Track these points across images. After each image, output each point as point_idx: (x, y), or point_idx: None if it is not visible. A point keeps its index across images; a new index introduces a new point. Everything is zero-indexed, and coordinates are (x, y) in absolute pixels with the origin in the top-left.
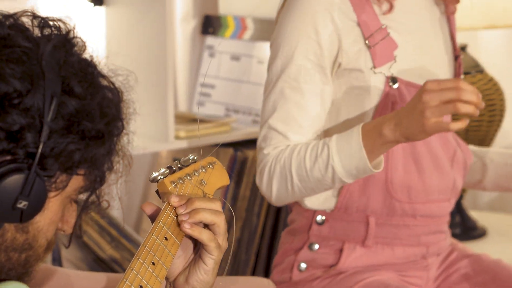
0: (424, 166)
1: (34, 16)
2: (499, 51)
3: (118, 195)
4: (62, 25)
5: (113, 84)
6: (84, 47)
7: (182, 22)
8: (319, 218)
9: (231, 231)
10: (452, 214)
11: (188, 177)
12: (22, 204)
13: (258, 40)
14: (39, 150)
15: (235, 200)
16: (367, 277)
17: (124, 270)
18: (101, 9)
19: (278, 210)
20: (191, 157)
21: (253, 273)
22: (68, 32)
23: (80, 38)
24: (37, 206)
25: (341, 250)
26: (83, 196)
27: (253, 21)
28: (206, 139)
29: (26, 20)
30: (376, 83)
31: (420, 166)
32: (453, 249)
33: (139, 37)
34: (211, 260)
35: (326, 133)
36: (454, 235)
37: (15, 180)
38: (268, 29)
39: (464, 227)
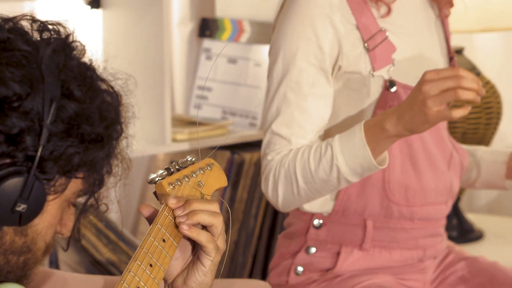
0: (422, 168)
1: (33, 20)
2: (496, 53)
3: (116, 198)
4: (61, 29)
5: (112, 87)
6: (83, 50)
7: (179, 25)
8: (316, 222)
9: (228, 232)
10: (449, 217)
11: (186, 179)
12: (21, 207)
13: (255, 43)
14: (39, 153)
15: (232, 202)
16: (364, 280)
17: (121, 272)
18: (98, 12)
19: (276, 212)
20: (189, 159)
21: (250, 275)
22: (67, 36)
23: (79, 42)
24: (36, 209)
25: (338, 254)
26: (81, 200)
27: (250, 24)
28: (203, 142)
29: (25, 24)
30: (375, 86)
31: (417, 168)
32: (449, 252)
33: (136, 40)
34: (209, 261)
35: (326, 135)
36: (451, 238)
37: (14, 183)
38: (265, 32)
39: (461, 229)
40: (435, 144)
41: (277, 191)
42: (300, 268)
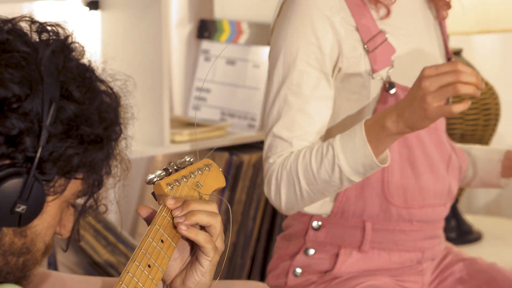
0: (421, 170)
1: (32, 21)
2: (494, 55)
3: (116, 199)
4: (60, 30)
5: (111, 88)
6: (82, 52)
7: (178, 26)
8: (315, 223)
9: (227, 234)
10: (448, 218)
11: (184, 179)
12: (20, 208)
13: (253, 44)
14: (38, 154)
15: (231, 204)
16: (362, 282)
17: (119, 274)
18: (96, 13)
19: (274, 214)
20: (187, 159)
21: (249, 277)
22: (66, 37)
23: (78, 43)
24: (35, 210)
25: (337, 255)
26: (80, 201)
27: (248, 25)
28: (201, 143)
29: (24, 25)
30: (374, 87)
31: (416, 170)
32: (447, 253)
33: (135, 41)
34: (207, 261)
35: (326, 136)
36: (449, 239)
37: (13, 184)
38: (263, 33)
39: (459, 231)
40: (434, 146)
41: (280, 193)
42: (298, 270)
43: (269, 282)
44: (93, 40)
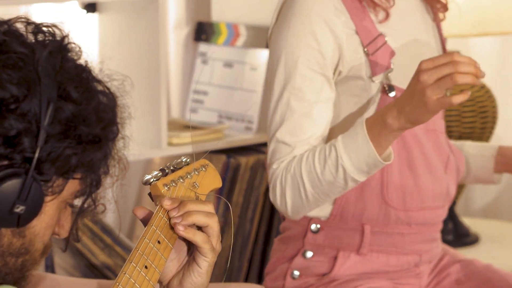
0: (419, 172)
1: (28, 22)
2: (491, 58)
3: (114, 199)
4: (56, 31)
5: (108, 88)
6: (79, 52)
7: (175, 29)
8: (313, 226)
9: (227, 235)
10: (445, 221)
11: (181, 180)
12: (19, 209)
13: (251, 47)
14: (36, 155)
15: (228, 206)
16: (360, 284)
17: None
18: (94, 16)
19: (271, 216)
20: (183, 160)
21: (246, 279)
22: (63, 37)
23: (75, 43)
24: (34, 210)
25: (335, 258)
26: (79, 201)
27: (246, 28)
28: (199, 146)
29: (20, 26)
30: (374, 91)
31: (415, 173)
32: (444, 255)
33: (132, 44)
34: (205, 262)
35: (327, 139)
36: (446, 242)
37: (12, 185)
38: (261, 36)
39: (456, 233)
40: (432, 148)
41: (285, 198)
42: (296, 272)
43: (267, 284)
44: (91, 42)
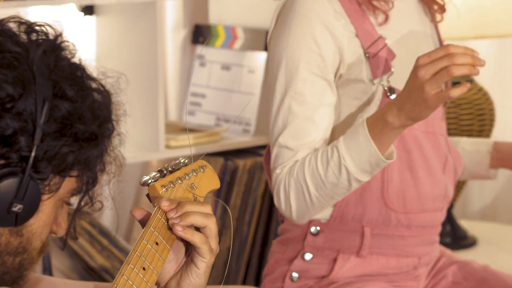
0: (419, 174)
1: (21, 22)
2: (489, 60)
3: (111, 196)
4: (49, 30)
5: (103, 86)
6: (73, 50)
7: (173, 31)
8: (313, 229)
9: (225, 238)
10: (443, 223)
11: (179, 181)
12: (17, 208)
13: (248, 50)
14: (33, 154)
15: (226, 209)
16: (358, 287)
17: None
18: (91, 18)
19: (269, 219)
20: (181, 161)
21: (244, 282)
22: (57, 36)
23: (69, 41)
24: (31, 209)
25: (334, 260)
26: (75, 199)
27: (243, 31)
28: (196, 149)
29: (12, 26)
30: (375, 94)
31: (415, 174)
32: (441, 256)
33: (130, 46)
34: (203, 263)
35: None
36: (444, 244)
37: (9, 184)
38: (258, 39)
39: (454, 236)
40: (431, 150)
41: (290, 202)
42: (295, 274)
43: (265, 286)
44: (88, 45)
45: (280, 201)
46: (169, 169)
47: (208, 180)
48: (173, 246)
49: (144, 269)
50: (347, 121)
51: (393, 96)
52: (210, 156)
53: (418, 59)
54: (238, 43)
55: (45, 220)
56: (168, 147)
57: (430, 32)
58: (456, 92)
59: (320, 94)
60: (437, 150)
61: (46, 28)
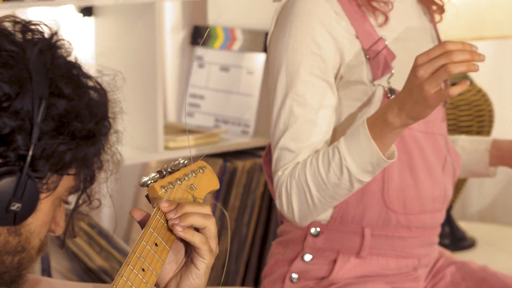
0: (419, 176)
1: (16, 21)
2: (487, 61)
3: (109, 193)
4: (45, 28)
5: (99, 84)
6: (69, 48)
7: (171, 32)
8: (313, 230)
9: (223, 239)
10: (441, 225)
11: (178, 182)
12: (15, 207)
13: (247, 51)
14: (30, 152)
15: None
16: None
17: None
18: (90, 19)
19: (268, 220)
20: (181, 161)
21: (243, 283)
22: (52, 35)
23: (65, 40)
24: (29, 208)
25: (334, 261)
26: (73, 198)
27: (242, 32)
28: (195, 150)
29: (7, 25)
30: (376, 95)
31: (415, 176)
32: (439, 257)
33: (129, 47)
34: (203, 264)
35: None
36: (443, 246)
37: (7, 183)
38: (257, 40)
39: (453, 237)
40: (431, 151)
41: (292, 204)
42: (295, 276)
43: (265, 287)
44: (87, 46)
45: (282, 204)
46: (169, 170)
47: (208, 181)
48: (173, 247)
49: (143, 270)
50: (348, 122)
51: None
52: (209, 157)
53: (417, 58)
54: (237, 45)
55: (44, 219)
56: (166, 148)
57: (430, 32)
58: (456, 90)
59: (321, 96)
60: (437, 151)
61: (41, 27)
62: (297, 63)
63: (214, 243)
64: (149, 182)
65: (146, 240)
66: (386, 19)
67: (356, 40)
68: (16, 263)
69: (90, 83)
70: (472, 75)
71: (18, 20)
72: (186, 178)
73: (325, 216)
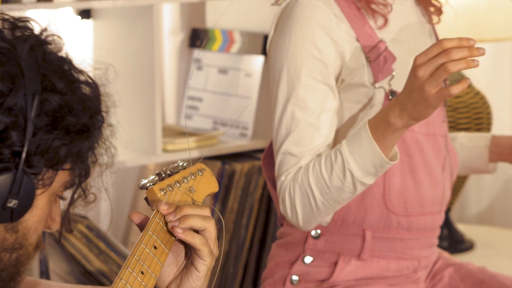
0: (420, 178)
1: (4, 19)
2: (486, 64)
3: (104, 187)
4: (34, 25)
5: (91, 78)
6: (60, 43)
7: (170, 35)
8: (314, 232)
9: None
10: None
11: (177, 184)
12: (12, 203)
13: (245, 53)
14: (25, 148)
15: (223, 213)
16: None
17: (112, 283)
18: (88, 22)
19: (266, 222)
20: (180, 164)
21: (241, 286)
22: (42, 30)
23: (56, 35)
24: (26, 204)
25: (335, 264)
26: (69, 193)
27: (240, 34)
28: (194, 152)
29: None
30: (377, 97)
31: (416, 178)
32: (438, 258)
33: (127, 50)
34: (203, 266)
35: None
36: (441, 248)
37: (3, 180)
38: (255, 42)
39: (451, 240)
40: (432, 152)
41: (295, 208)
42: (295, 278)
43: None
44: (85, 49)
45: (286, 208)
46: (168, 172)
47: (207, 183)
48: (173, 249)
49: (142, 273)
50: (350, 125)
51: None
52: (207, 159)
53: (416, 58)
54: (235, 47)
55: (40, 215)
56: (165, 150)
57: (429, 33)
58: (457, 88)
59: (322, 100)
60: (437, 152)
61: (30, 23)
62: (298, 67)
63: (214, 245)
64: (148, 184)
65: (145, 243)
66: (386, 21)
67: (356, 42)
68: (14, 260)
69: (82, 78)
70: (471, 78)
71: (7, 17)
72: (185, 181)
73: (326, 218)
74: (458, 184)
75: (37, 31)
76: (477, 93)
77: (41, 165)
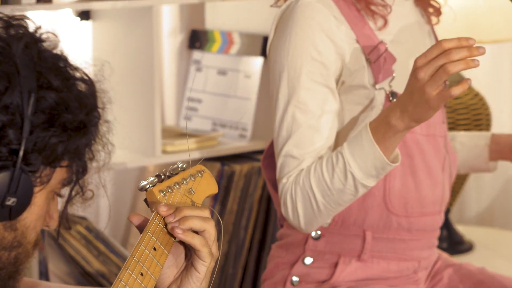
0: (421, 178)
1: None
2: (485, 66)
3: (101, 184)
4: (28, 23)
5: (86, 75)
6: (55, 41)
7: (169, 36)
8: (314, 233)
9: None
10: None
11: (177, 186)
12: (10, 201)
13: (245, 55)
14: (22, 146)
15: (222, 214)
16: None
17: (111, 284)
18: (88, 23)
19: (266, 224)
20: (179, 165)
21: (241, 287)
22: (36, 28)
23: (50, 32)
24: (24, 202)
25: (335, 265)
26: (66, 190)
27: (239, 36)
28: (193, 154)
29: None
30: (378, 98)
31: (417, 179)
32: (437, 259)
33: (126, 51)
34: (203, 267)
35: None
36: (441, 249)
37: (1, 178)
38: (255, 44)
39: (451, 241)
40: (432, 153)
41: (297, 210)
42: (296, 279)
43: None
44: (85, 50)
45: (288, 211)
46: (167, 174)
47: (206, 185)
48: (173, 251)
49: (142, 274)
50: (351, 126)
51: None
52: (207, 161)
53: (416, 60)
54: (234, 48)
55: (38, 212)
56: (164, 152)
57: (428, 34)
58: (458, 89)
59: (323, 102)
60: (437, 153)
61: (24, 21)
62: (298, 69)
63: (213, 246)
64: (148, 186)
65: (145, 245)
66: (385, 22)
67: (356, 44)
68: (13, 258)
69: (78, 74)
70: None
71: (1, 15)
72: (184, 182)
73: (327, 220)
74: (458, 185)
75: (31, 29)
76: (477, 94)
77: (38, 163)
